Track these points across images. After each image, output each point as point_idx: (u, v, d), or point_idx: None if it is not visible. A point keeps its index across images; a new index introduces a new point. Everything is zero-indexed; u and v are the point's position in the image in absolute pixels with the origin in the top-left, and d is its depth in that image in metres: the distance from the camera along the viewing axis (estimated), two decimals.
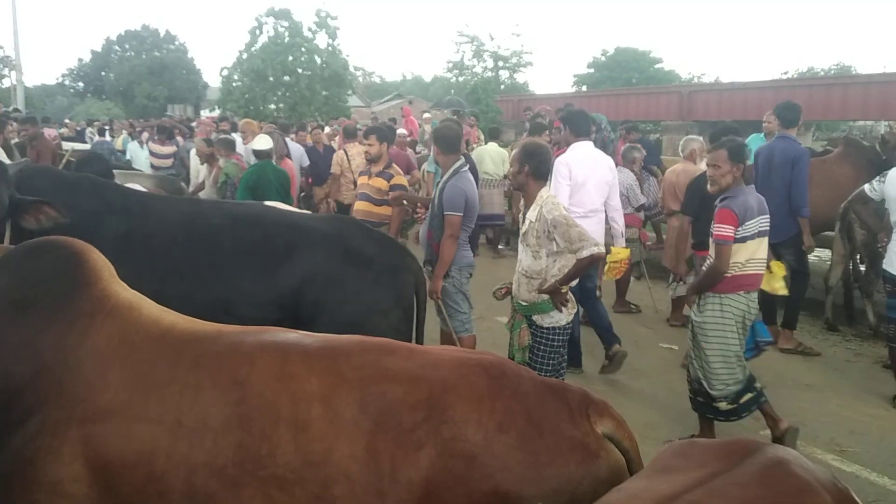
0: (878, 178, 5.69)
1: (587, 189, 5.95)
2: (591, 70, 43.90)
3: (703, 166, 7.19)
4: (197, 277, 3.67)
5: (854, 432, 5.20)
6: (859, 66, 45.72)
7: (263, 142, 7.24)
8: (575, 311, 4.60)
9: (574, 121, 6.38)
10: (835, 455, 4.86)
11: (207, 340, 2.20)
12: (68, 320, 2.18)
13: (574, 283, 4.56)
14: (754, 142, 9.46)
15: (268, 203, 4.62)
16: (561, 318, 4.45)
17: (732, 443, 1.89)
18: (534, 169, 4.45)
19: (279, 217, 4.08)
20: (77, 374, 2.11)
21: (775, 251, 6.94)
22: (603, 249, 4.24)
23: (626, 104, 29.30)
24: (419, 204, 6.44)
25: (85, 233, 3.40)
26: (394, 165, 7.03)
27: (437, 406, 2.02)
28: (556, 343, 4.46)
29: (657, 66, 43.04)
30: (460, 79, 41.67)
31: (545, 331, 4.46)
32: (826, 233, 7.74)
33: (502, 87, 40.05)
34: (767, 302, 7.10)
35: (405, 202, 6.54)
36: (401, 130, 12.67)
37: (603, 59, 43.60)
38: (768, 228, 4.67)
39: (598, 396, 2.25)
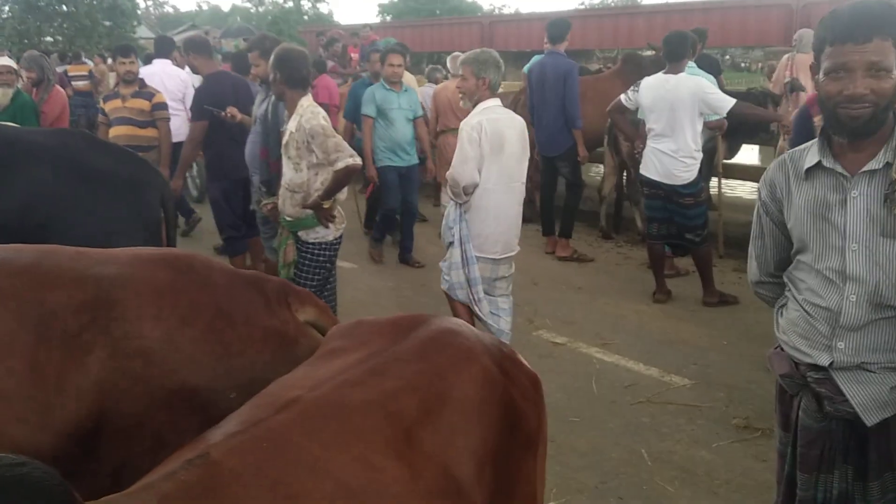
0: (632, 87, 5.96)
1: None
2: (395, 0, 43.49)
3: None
4: None
5: (616, 327, 5.56)
6: None
7: None
8: (343, 226, 4.50)
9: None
10: (598, 347, 5.17)
11: None
12: None
13: (343, 196, 4.43)
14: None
15: None
16: (327, 233, 4.34)
17: (400, 319, 1.86)
18: (287, 76, 4.24)
19: None
20: None
21: (552, 164, 7.27)
22: (359, 161, 4.13)
23: (431, 35, 29.30)
24: None
25: None
26: (149, 85, 6.54)
27: (105, 305, 1.85)
28: (321, 258, 4.36)
29: None
30: (260, 9, 39.99)
31: (310, 246, 4.34)
32: (600, 149, 8.12)
33: (305, 17, 38.89)
34: (546, 214, 7.44)
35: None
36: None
37: None
38: None
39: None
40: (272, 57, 4.35)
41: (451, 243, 4.42)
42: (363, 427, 1.43)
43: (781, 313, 2.33)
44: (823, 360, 2.11)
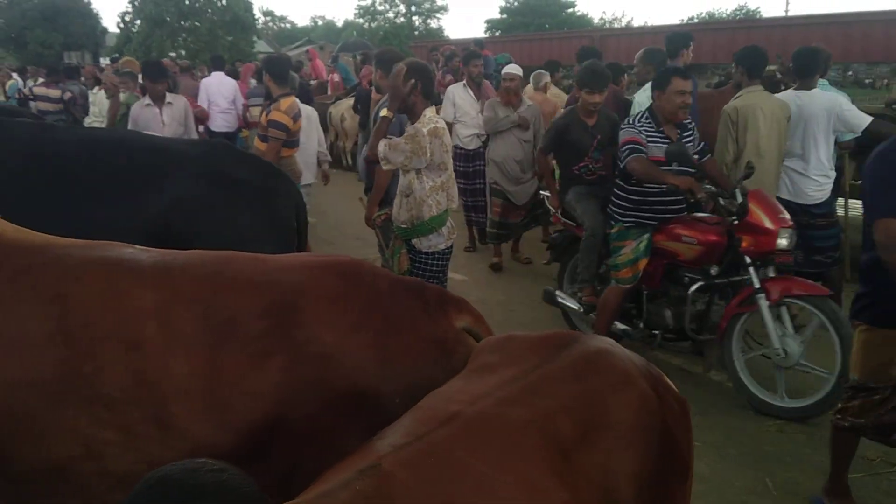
0: None
1: None
2: (504, 16, 43.71)
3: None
4: (45, 207, 3.41)
5: None
6: (764, 11, 47.14)
7: None
8: (454, 236, 4.55)
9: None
10: (718, 370, 5.00)
11: (32, 252, 2.04)
12: None
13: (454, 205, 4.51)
14: None
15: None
16: (440, 242, 4.42)
17: (550, 336, 1.85)
18: (422, 86, 4.28)
19: (142, 141, 3.85)
20: None
21: None
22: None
23: (540, 49, 29.24)
24: None
25: None
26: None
27: (287, 311, 1.93)
28: (434, 268, 4.44)
29: (569, 10, 43.13)
30: (372, 24, 40.99)
31: (423, 256, 4.43)
32: None
33: (416, 33, 39.63)
34: None
35: None
36: None
37: (515, 4, 43.38)
38: None
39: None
40: (407, 65, 4.42)
41: None
42: (524, 446, 1.44)
43: None
44: None
